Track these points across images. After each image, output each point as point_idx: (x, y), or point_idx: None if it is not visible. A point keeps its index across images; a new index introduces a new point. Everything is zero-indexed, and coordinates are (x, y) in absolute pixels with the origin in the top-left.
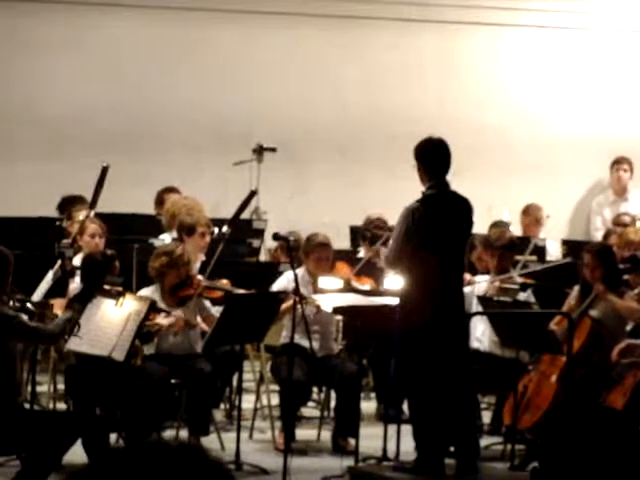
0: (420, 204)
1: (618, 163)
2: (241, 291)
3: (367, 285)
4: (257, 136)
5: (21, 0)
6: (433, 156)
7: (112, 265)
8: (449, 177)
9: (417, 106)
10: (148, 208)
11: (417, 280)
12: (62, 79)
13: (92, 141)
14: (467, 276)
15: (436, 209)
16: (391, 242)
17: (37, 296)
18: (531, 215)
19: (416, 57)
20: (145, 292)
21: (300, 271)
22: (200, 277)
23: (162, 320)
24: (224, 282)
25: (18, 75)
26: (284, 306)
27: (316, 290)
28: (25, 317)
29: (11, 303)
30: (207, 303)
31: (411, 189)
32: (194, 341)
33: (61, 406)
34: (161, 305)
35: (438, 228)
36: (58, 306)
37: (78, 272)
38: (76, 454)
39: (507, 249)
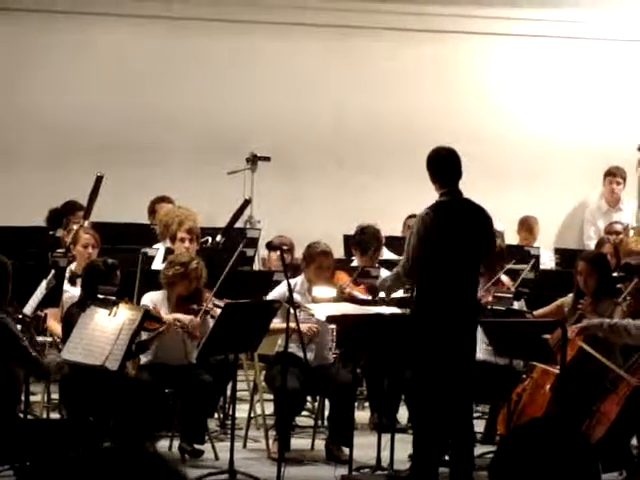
0: (430, 211)
1: (611, 175)
2: None
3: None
4: (251, 145)
5: (24, 10)
6: (441, 166)
7: (113, 274)
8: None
9: (413, 115)
10: (143, 217)
11: (427, 288)
12: (56, 88)
13: (87, 150)
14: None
15: (446, 216)
16: (406, 251)
17: (30, 306)
18: (531, 228)
19: (413, 66)
20: (153, 296)
21: (299, 279)
22: (209, 294)
23: (182, 316)
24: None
25: (16, 84)
26: (275, 326)
27: (314, 299)
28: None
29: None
30: (211, 323)
31: (406, 198)
32: (190, 352)
33: (55, 416)
34: (163, 312)
35: (448, 235)
36: (52, 316)
37: (78, 280)
38: None
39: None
